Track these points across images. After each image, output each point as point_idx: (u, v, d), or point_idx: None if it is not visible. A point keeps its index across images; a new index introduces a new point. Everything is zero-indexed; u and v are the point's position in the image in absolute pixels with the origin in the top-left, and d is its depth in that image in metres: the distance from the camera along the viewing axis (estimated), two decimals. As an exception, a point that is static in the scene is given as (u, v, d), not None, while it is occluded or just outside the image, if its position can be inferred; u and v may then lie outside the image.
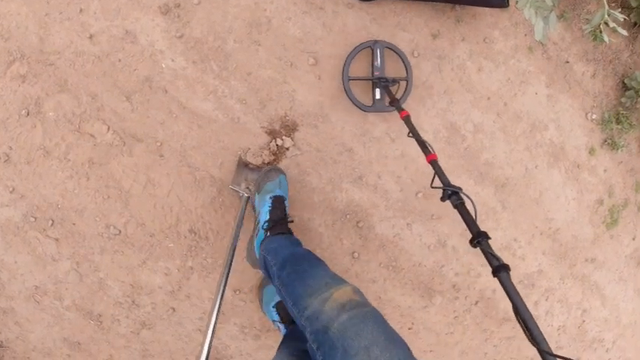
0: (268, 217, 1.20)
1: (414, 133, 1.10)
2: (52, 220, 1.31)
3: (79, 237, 1.34)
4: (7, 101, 1.24)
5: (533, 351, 0.60)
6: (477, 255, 1.63)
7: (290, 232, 1.23)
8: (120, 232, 1.36)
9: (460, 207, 0.88)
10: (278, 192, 1.25)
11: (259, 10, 1.34)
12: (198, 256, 1.44)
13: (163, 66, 1.30)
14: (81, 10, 1.23)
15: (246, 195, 1.33)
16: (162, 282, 1.42)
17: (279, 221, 1.19)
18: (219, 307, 0.94)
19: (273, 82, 1.38)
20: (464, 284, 1.62)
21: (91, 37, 1.25)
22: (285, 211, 1.24)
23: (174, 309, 1.44)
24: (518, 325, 0.65)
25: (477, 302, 1.66)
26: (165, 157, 1.34)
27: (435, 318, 1.62)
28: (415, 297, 1.60)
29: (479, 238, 0.78)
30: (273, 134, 1.41)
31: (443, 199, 0.90)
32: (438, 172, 0.96)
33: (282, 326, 1.30)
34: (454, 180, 1.54)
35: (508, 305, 0.90)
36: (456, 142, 1.54)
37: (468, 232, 0.81)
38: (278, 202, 1.23)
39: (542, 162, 1.61)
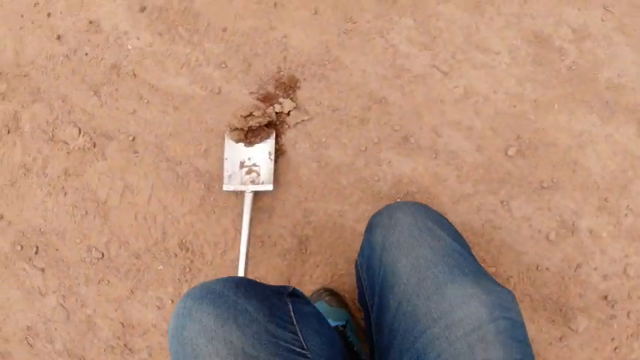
0: None
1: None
2: (37, 247, 1.06)
3: (63, 265, 1.05)
4: (-11, 122, 1.09)
5: None
6: (636, 239, 0.86)
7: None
8: (102, 255, 1.02)
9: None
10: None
11: (226, -45, 1.02)
12: (194, 279, 1.01)
13: (129, 47, 1.04)
14: (49, 14, 1.09)
15: (251, 189, 0.90)
16: (155, 318, 1.00)
17: None
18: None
19: (255, 32, 1.00)
20: (621, 292, 0.86)
21: (59, 37, 1.08)
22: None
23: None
24: None
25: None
26: (139, 153, 1.01)
27: (580, 355, 0.83)
28: (542, 323, 0.89)
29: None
30: (268, 99, 0.98)
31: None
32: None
33: None
34: (564, 120, 0.87)
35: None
36: (551, 61, 0.90)
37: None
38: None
39: None
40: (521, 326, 0.48)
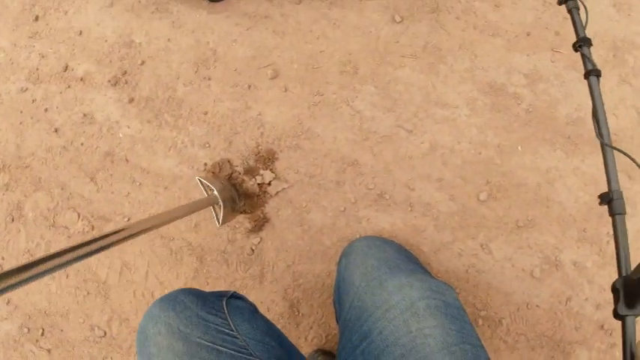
0: None
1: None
2: (43, 329, 1.07)
3: (68, 345, 1.06)
4: (-5, 214, 1.13)
5: None
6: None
7: None
8: (105, 333, 1.03)
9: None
10: None
11: (202, 45, 1.10)
12: (193, 349, 1.00)
13: (121, 135, 1.10)
14: (46, 110, 1.15)
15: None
16: None
17: None
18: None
19: (233, 113, 1.05)
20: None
21: (56, 130, 1.14)
22: None
23: None
24: None
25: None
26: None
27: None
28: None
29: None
30: (250, 173, 1.02)
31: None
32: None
33: None
34: (529, 160, 0.91)
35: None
36: (509, 107, 0.94)
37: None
38: None
39: None
40: (457, 308, 0.55)
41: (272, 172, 1.05)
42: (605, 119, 0.81)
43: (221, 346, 0.57)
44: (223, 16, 1.14)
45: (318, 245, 1.01)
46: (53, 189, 1.16)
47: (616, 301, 0.71)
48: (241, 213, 1.06)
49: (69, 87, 1.20)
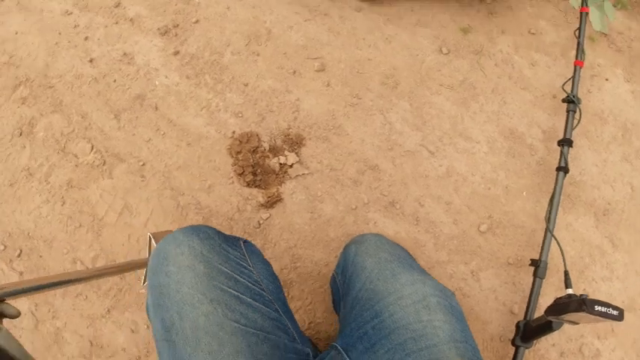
0: None
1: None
2: (21, 250, 1.00)
3: (44, 273, 0.99)
4: (5, 122, 1.08)
5: None
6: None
7: None
8: (85, 269, 0.97)
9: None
10: None
11: (258, 23, 1.11)
12: (174, 306, 0.96)
13: (157, 83, 1.07)
14: (86, 38, 1.11)
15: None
16: (126, 342, 0.95)
17: None
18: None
19: (273, 92, 1.05)
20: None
21: (91, 60, 1.10)
22: None
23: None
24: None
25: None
26: (146, 179, 1.01)
27: None
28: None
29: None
30: (275, 151, 1.02)
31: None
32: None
33: None
34: (530, 207, 0.96)
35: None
36: (522, 154, 1.00)
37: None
38: None
39: None
40: (460, 313, 0.57)
41: (297, 156, 1.06)
42: (557, 208, 0.91)
43: (239, 275, 0.59)
44: (286, 1, 1.16)
45: (322, 234, 1.02)
46: (73, 115, 1.11)
47: (516, 334, 0.83)
48: (256, 187, 1.05)
49: (116, 23, 1.17)
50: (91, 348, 1.00)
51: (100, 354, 0.99)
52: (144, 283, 0.89)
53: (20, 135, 1.11)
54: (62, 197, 1.07)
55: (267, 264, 0.71)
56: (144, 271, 0.92)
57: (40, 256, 1.05)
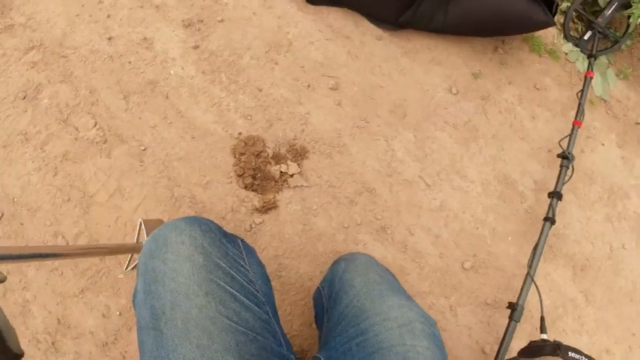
0: None
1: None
2: (2, 214, 0.96)
3: (22, 241, 0.96)
4: (10, 83, 1.06)
5: None
6: None
7: None
8: (67, 244, 0.94)
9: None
10: None
11: (281, 33, 1.13)
12: (151, 296, 0.94)
13: (171, 72, 1.07)
14: (109, 16, 1.11)
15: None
16: (95, 325, 0.92)
17: None
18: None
19: (285, 101, 1.07)
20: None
21: (110, 38, 1.09)
22: None
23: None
24: None
25: None
26: (145, 164, 1.00)
27: None
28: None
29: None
30: (277, 159, 1.03)
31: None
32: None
33: None
34: (513, 252, 0.99)
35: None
36: (512, 200, 1.03)
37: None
38: None
39: (630, 240, 1.02)
40: (441, 342, 0.59)
41: (298, 167, 1.07)
42: (540, 257, 0.95)
43: (236, 273, 0.58)
44: (311, 18, 1.19)
45: (311, 248, 1.02)
46: (81, 89, 1.10)
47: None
48: (253, 191, 1.05)
49: (141, 7, 1.17)
50: (58, 326, 0.96)
51: (66, 333, 0.96)
52: (126, 268, 0.87)
53: (24, 98, 1.09)
54: (55, 168, 1.05)
55: (262, 265, 0.71)
56: (127, 256, 0.90)
57: (22, 224, 1.02)
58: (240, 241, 0.70)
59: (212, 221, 0.65)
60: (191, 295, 0.53)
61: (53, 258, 0.62)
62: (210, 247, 0.57)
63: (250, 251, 0.70)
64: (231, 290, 0.56)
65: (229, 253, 0.61)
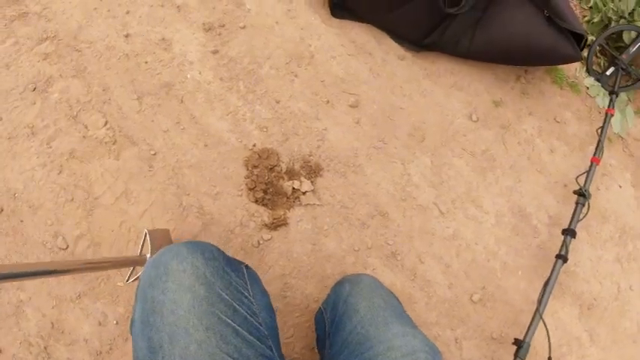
0: None
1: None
2: (1, 210, 0.91)
3: (20, 239, 0.92)
4: (21, 73, 1.02)
5: None
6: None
7: None
8: (67, 247, 0.91)
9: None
10: None
11: (304, 45, 1.10)
12: (151, 307, 0.90)
13: (188, 76, 1.04)
14: (127, 12, 1.07)
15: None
16: (90, 333, 0.88)
17: None
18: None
19: (303, 115, 1.04)
20: None
21: (127, 36, 1.05)
22: None
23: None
24: None
25: None
26: (154, 169, 0.96)
27: None
28: None
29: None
30: (291, 174, 1.00)
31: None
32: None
33: None
34: (523, 287, 0.97)
35: None
36: (525, 234, 1.01)
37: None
38: None
39: (638, 282, 1.01)
40: None
41: (312, 184, 1.04)
42: (550, 294, 0.93)
43: (239, 305, 0.56)
44: (334, 32, 1.16)
45: (319, 269, 0.99)
46: (94, 85, 1.06)
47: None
48: (264, 205, 1.02)
49: (162, 6, 1.13)
50: (51, 330, 0.92)
51: (60, 339, 0.92)
52: (127, 280, 0.83)
53: (33, 90, 1.05)
54: (60, 165, 1.01)
55: (266, 295, 0.68)
56: (129, 268, 0.87)
57: (21, 221, 0.97)
58: (244, 268, 0.66)
59: (215, 247, 0.62)
60: (190, 329, 0.50)
61: (55, 275, 0.58)
62: (213, 277, 0.55)
63: (255, 279, 0.67)
64: (233, 324, 0.54)
65: (232, 283, 0.58)
